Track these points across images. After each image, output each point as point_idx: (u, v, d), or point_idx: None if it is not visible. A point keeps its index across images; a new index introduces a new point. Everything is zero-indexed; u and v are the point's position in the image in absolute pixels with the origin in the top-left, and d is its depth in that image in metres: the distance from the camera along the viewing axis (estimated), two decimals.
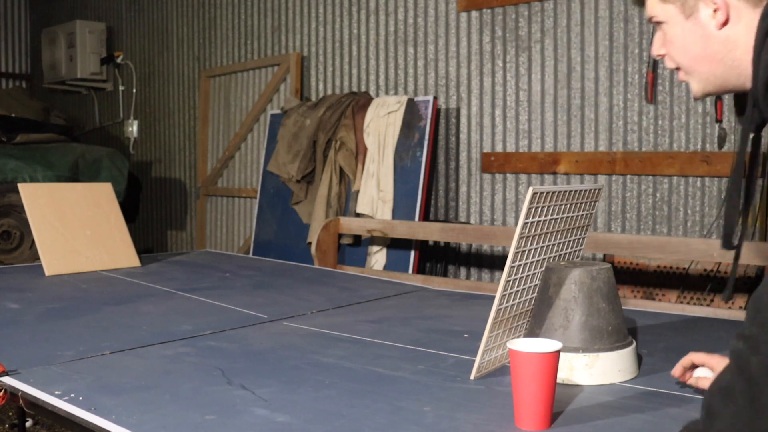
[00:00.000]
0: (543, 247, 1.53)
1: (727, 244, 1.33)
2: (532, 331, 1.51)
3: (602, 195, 3.52)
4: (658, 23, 1.32)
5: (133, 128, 6.44)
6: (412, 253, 3.92)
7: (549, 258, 1.57)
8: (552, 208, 1.50)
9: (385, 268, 3.98)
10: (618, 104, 3.51)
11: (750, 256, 2.48)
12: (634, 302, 2.72)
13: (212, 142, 5.65)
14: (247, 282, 2.76)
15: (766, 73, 1.16)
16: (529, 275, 1.51)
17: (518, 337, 1.56)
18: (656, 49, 1.36)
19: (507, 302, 1.46)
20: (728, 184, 1.42)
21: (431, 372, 1.54)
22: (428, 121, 3.92)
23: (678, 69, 1.34)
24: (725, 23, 1.23)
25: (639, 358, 1.58)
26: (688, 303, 3.08)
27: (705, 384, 1.33)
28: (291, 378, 1.50)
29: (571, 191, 1.56)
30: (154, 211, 6.37)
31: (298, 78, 4.91)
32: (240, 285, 2.69)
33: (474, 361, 1.48)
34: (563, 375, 1.43)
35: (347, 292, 2.56)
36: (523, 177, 3.84)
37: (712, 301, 3.08)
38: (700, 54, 1.28)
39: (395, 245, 4.00)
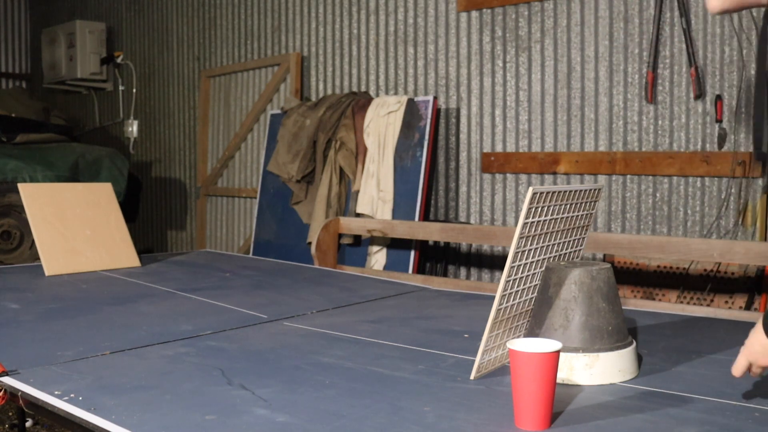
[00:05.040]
0: (543, 247, 1.53)
1: (759, 154, 1.38)
2: (532, 331, 1.51)
3: (602, 195, 3.53)
4: None
5: (133, 128, 6.44)
6: (412, 253, 3.92)
7: (549, 258, 1.57)
8: (552, 208, 1.50)
9: (385, 268, 3.98)
10: (618, 104, 3.51)
11: (750, 256, 2.47)
12: (634, 302, 2.72)
13: (212, 142, 5.65)
14: (247, 282, 2.76)
15: None
16: (529, 275, 1.51)
17: (518, 337, 1.56)
18: None
19: (507, 302, 1.46)
20: (755, 99, 1.46)
21: (431, 372, 1.54)
22: (428, 121, 3.92)
23: None
24: None
25: (639, 358, 1.58)
26: (688, 303, 3.08)
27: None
28: (291, 378, 1.50)
29: (571, 191, 1.56)
30: (154, 211, 6.37)
31: (298, 78, 4.91)
32: (240, 285, 2.69)
33: (474, 361, 1.48)
34: (563, 375, 1.43)
35: (347, 292, 2.56)
36: (523, 177, 3.84)
37: (712, 301, 3.08)
38: None
39: (395, 245, 4.00)
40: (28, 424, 3.26)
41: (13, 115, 5.66)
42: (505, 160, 3.88)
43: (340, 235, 3.88)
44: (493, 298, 1.45)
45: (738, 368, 1.33)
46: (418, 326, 2.00)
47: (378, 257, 4.04)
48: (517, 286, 1.48)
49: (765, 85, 1.33)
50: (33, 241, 4.05)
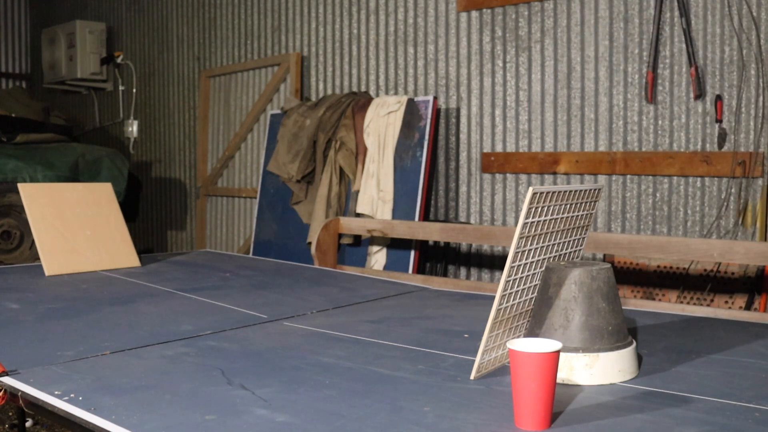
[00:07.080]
0: (543, 247, 1.53)
1: None
2: (532, 331, 1.51)
3: (602, 195, 3.52)
4: None
5: (133, 128, 6.44)
6: (412, 253, 3.92)
7: (549, 258, 1.57)
8: (552, 208, 1.50)
9: (385, 268, 3.98)
10: (618, 104, 3.51)
11: (750, 256, 2.47)
12: (634, 302, 2.72)
13: (212, 142, 5.65)
14: (247, 282, 2.76)
15: None
16: (529, 275, 1.51)
17: (518, 337, 1.56)
18: None
19: (507, 302, 1.46)
20: None
21: (431, 372, 1.54)
22: (428, 121, 3.92)
23: None
24: None
25: (639, 358, 1.58)
26: (688, 303, 3.08)
27: None
28: (291, 378, 1.50)
29: (571, 191, 1.56)
30: (154, 211, 6.37)
31: (298, 78, 4.91)
32: (240, 285, 2.69)
33: (474, 361, 1.48)
34: (563, 375, 1.43)
35: (347, 292, 2.56)
36: (523, 177, 3.84)
37: (712, 301, 3.08)
38: None
39: (395, 245, 4.00)
40: (28, 424, 3.26)
41: (13, 115, 5.66)
42: (505, 160, 3.88)
43: (340, 235, 3.87)
44: (493, 298, 1.45)
45: None
46: (418, 326, 2.00)
47: (378, 257, 4.04)
48: (517, 286, 1.48)
49: None
50: (33, 241, 4.05)
